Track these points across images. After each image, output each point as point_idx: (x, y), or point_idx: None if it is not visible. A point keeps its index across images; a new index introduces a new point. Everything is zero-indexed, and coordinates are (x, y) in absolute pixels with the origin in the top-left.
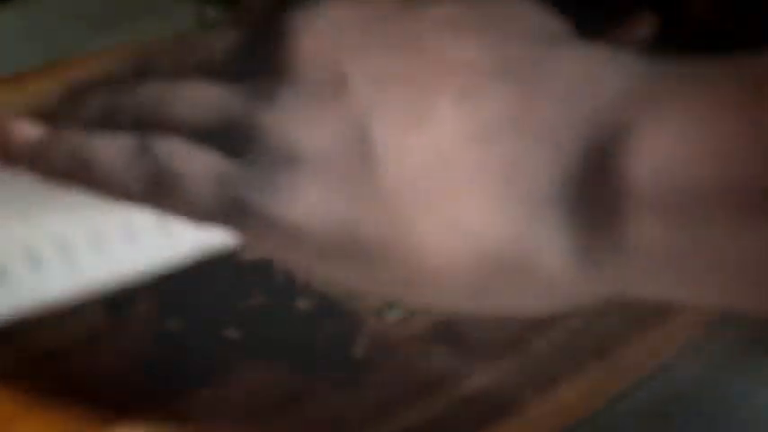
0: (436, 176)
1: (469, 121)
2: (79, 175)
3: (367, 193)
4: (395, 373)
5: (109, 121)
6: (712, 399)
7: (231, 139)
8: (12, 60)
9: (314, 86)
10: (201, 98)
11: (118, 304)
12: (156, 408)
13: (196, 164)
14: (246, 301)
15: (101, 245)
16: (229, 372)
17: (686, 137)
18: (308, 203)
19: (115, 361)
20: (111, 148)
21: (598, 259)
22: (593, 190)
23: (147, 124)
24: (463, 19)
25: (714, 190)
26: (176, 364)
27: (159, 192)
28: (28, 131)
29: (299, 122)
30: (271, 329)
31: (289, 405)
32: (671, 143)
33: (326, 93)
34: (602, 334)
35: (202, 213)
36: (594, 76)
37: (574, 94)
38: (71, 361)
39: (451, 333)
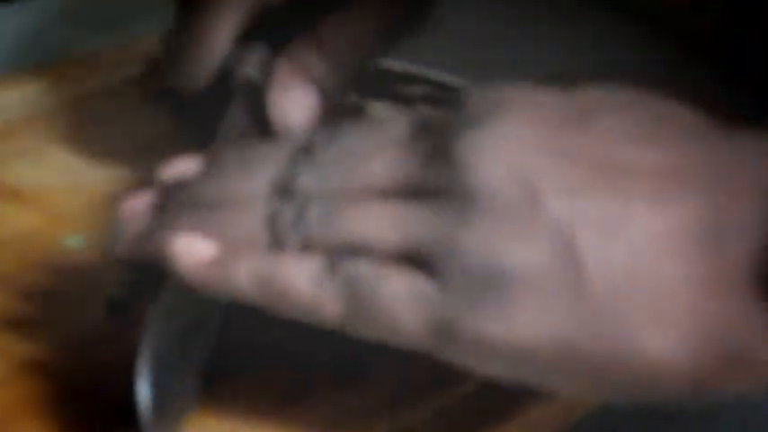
0: (645, 280)
1: (666, 223)
2: (267, 296)
3: (580, 304)
4: (395, 373)
5: (281, 238)
6: (712, 399)
7: (422, 260)
8: (12, 60)
9: (508, 205)
10: (386, 219)
11: (118, 304)
12: None
13: (395, 285)
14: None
15: None
16: (229, 372)
17: None
18: (522, 321)
19: (115, 361)
20: (300, 272)
21: None
22: None
23: (319, 244)
24: (630, 126)
25: None
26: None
27: (357, 314)
28: (199, 248)
29: (499, 241)
30: (272, 329)
31: (289, 405)
32: None
33: (522, 210)
34: None
35: (405, 336)
36: (762, 165)
37: (761, 187)
38: (70, 361)
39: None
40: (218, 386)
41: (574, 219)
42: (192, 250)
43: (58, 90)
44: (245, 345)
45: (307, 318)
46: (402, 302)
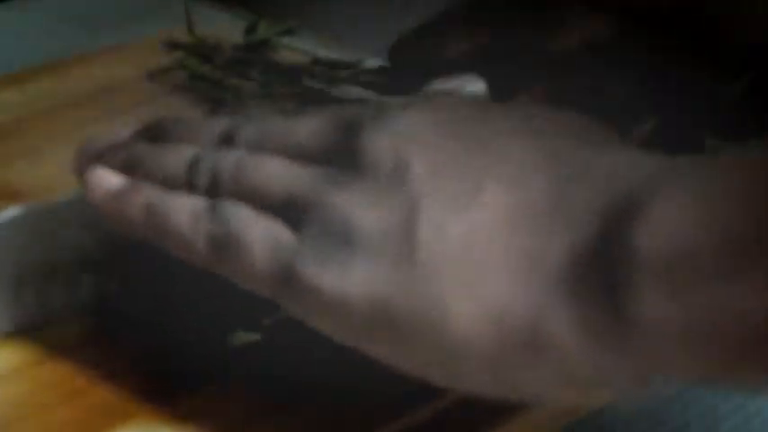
0: (471, 257)
1: (508, 207)
2: (152, 229)
3: (406, 271)
4: (395, 373)
5: (188, 179)
6: (712, 399)
7: (295, 213)
8: (12, 60)
9: (379, 174)
10: (277, 172)
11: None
12: (156, 408)
13: (257, 230)
14: (248, 301)
15: None
16: (229, 372)
17: (690, 212)
18: (353, 279)
19: (114, 361)
20: (184, 208)
21: (610, 337)
22: (602, 267)
23: (223, 189)
24: (524, 126)
25: (712, 257)
26: (176, 364)
27: (220, 254)
28: (109, 180)
29: (358, 204)
30: (271, 330)
31: (288, 405)
32: (675, 218)
33: (388, 179)
34: None
35: (255, 278)
36: (616, 168)
37: (597, 184)
38: (70, 361)
39: None
40: (218, 386)
41: (428, 192)
42: (103, 182)
43: (59, 90)
44: (246, 346)
45: (182, 255)
46: (259, 246)
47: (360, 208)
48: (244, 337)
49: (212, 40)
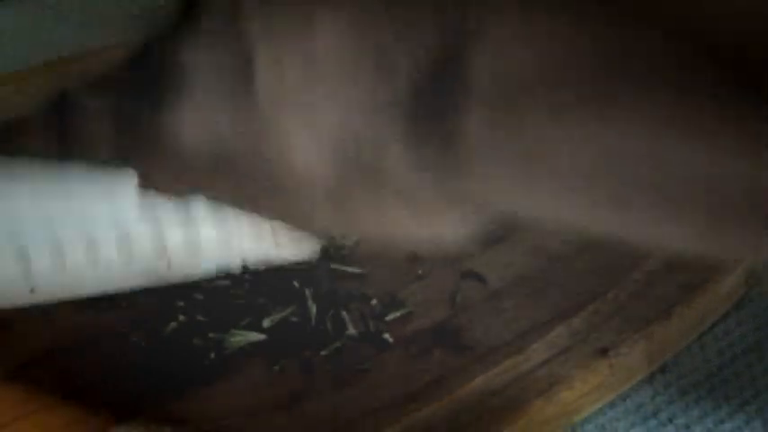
0: (308, 89)
1: (342, 35)
2: None
3: (244, 109)
4: (395, 373)
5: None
6: (713, 399)
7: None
8: (12, 60)
9: (212, 17)
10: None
11: (117, 303)
12: (156, 408)
13: (95, 101)
14: (249, 301)
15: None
16: (229, 372)
17: (525, 42)
18: (192, 124)
19: (114, 361)
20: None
21: (439, 166)
22: (437, 98)
23: None
24: None
25: (543, 89)
26: (176, 364)
27: (64, 137)
28: None
29: (191, 48)
30: (271, 330)
31: (289, 405)
32: (510, 47)
33: (222, 21)
34: (602, 334)
35: (102, 147)
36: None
37: (432, 18)
38: (70, 361)
39: (451, 333)
40: (218, 385)
41: (261, 28)
42: None
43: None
44: (244, 344)
45: None
46: (98, 112)
47: (192, 51)
48: (244, 337)
49: None
